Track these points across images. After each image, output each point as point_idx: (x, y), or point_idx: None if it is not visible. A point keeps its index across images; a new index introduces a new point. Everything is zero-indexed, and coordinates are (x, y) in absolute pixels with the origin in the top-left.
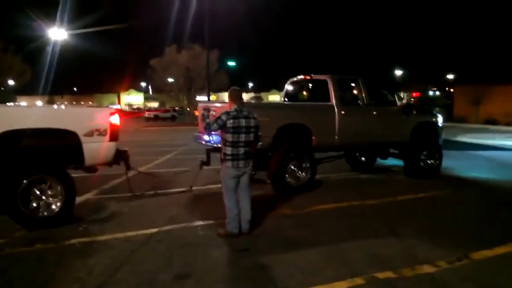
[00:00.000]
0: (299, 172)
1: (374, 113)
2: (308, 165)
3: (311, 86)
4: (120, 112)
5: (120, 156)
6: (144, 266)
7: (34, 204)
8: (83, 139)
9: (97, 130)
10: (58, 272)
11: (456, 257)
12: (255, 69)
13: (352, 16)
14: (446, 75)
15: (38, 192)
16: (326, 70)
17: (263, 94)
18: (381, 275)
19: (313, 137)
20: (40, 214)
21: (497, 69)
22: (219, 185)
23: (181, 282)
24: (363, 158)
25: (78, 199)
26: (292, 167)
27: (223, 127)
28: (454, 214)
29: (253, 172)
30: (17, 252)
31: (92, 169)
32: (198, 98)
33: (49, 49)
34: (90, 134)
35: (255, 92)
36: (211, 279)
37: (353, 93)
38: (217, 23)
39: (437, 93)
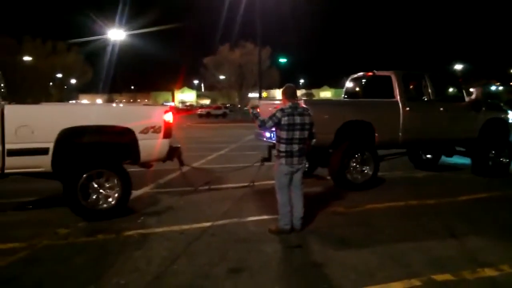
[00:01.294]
0: (361, 169)
1: (441, 109)
2: (370, 162)
3: (374, 83)
4: (174, 109)
5: (173, 153)
6: (199, 259)
7: (93, 197)
8: (139, 136)
9: (152, 127)
10: (119, 262)
11: None
12: (306, 65)
13: (409, 9)
14: (510, 69)
15: (96, 186)
16: (380, 65)
17: (314, 91)
18: (439, 277)
19: (376, 134)
20: (98, 206)
21: None
22: (272, 182)
23: (235, 276)
24: (427, 156)
25: (136, 193)
26: (354, 163)
27: (277, 124)
28: None
29: (306, 168)
30: (80, 242)
31: (147, 165)
32: (250, 95)
33: (109, 49)
34: (145, 131)
35: (306, 89)
36: (264, 275)
37: (418, 89)
38: (269, 20)
39: (500, 88)
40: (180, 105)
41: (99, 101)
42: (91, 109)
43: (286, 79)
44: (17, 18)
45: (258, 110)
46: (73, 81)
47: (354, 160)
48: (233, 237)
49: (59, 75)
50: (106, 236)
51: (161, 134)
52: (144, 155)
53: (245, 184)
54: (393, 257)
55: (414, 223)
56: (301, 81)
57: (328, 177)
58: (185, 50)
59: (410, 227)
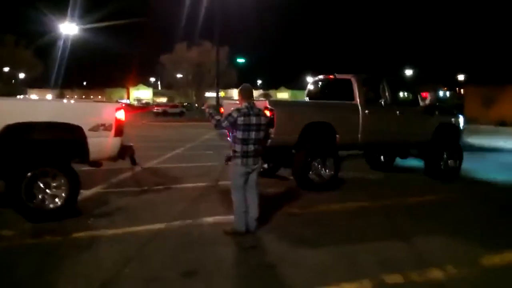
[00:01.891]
0: (323, 169)
1: (397, 112)
2: (332, 163)
3: (335, 85)
4: (129, 106)
5: (125, 152)
6: (152, 262)
7: (39, 197)
8: (88, 133)
9: (102, 125)
10: (66, 266)
11: (465, 262)
12: (264, 66)
13: (360, 14)
14: (457, 75)
15: (42, 185)
16: (334, 68)
17: (271, 92)
18: (389, 278)
19: (337, 136)
20: (44, 207)
21: (508, 70)
22: (228, 182)
23: (188, 279)
24: (382, 158)
25: (87, 193)
26: (316, 164)
27: (233, 124)
28: (466, 216)
29: (261, 169)
30: (25, 244)
31: (96, 163)
32: (207, 94)
33: (60, 43)
34: (95, 129)
35: (264, 90)
36: (218, 277)
37: (377, 93)
38: (227, 20)
39: (447, 93)
40: (135, 103)
41: (49, 96)
42: (38, 105)
43: (244, 79)
44: None
45: (222, 111)
46: (21, 75)
47: (316, 161)
48: (187, 239)
49: (6, 69)
50: (54, 238)
51: (112, 132)
52: (93, 154)
53: (204, 183)
54: (346, 258)
55: (366, 224)
56: (259, 81)
57: (291, 177)
58: (141, 47)
59: (362, 228)
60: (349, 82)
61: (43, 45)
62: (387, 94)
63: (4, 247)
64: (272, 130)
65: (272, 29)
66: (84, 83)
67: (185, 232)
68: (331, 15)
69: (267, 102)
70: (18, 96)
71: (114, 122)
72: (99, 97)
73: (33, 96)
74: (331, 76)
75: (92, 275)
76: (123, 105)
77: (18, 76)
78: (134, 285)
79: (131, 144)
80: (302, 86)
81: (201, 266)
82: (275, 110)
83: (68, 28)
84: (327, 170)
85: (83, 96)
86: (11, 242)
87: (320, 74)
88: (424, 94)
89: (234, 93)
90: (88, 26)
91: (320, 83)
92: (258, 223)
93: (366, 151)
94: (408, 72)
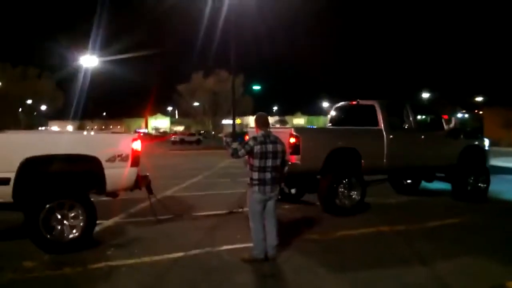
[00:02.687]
0: (349, 194)
1: (422, 137)
2: (358, 188)
3: (358, 111)
4: (147, 136)
5: (141, 181)
6: None
7: (56, 229)
8: (105, 164)
9: (119, 156)
10: None
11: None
12: (279, 92)
13: (375, 38)
14: (474, 97)
15: (59, 217)
16: (349, 93)
17: (287, 118)
18: None
19: (363, 161)
20: (62, 238)
21: None
22: (245, 209)
23: None
24: (408, 181)
25: (106, 223)
26: (342, 189)
27: (250, 153)
28: (490, 240)
29: (279, 197)
30: (45, 276)
31: (113, 194)
32: (224, 121)
33: (81, 75)
34: (112, 160)
35: (279, 116)
36: None
37: (400, 117)
38: (242, 48)
39: (466, 115)
40: (153, 132)
41: (69, 128)
42: (55, 138)
43: (259, 106)
44: None
45: (246, 138)
46: (43, 107)
47: (342, 185)
48: (206, 267)
49: (29, 101)
50: (74, 269)
51: (129, 163)
52: (110, 184)
53: (221, 211)
54: (366, 284)
55: (387, 249)
56: (275, 108)
57: (316, 203)
58: (159, 77)
59: (382, 253)
60: (372, 107)
61: (64, 78)
62: (411, 118)
63: (26, 278)
64: (297, 157)
65: (287, 55)
66: (104, 113)
67: (203, 261)
68: (346, 39)
69: (292, 129)
70: (40, 128)
71: (131, 153)
72: (118, 127)
73: (54, 127)
74: (354, 102)
75: None
76: (141, 134)
77: (40, 108)
78: None
79: (147, 174)
80: (317, 111)
81: None
82: (301, 136)
83: (88, 61)
84: (353, 195)
85: (103, 127)
86: (32, 273)
87: (336, 99)
88: (444, 116)
89: (250, 120)
90: (108, 58)
91: (343, 109)
92: (276, 250)
93: (391, 175)
94: (425, 95)
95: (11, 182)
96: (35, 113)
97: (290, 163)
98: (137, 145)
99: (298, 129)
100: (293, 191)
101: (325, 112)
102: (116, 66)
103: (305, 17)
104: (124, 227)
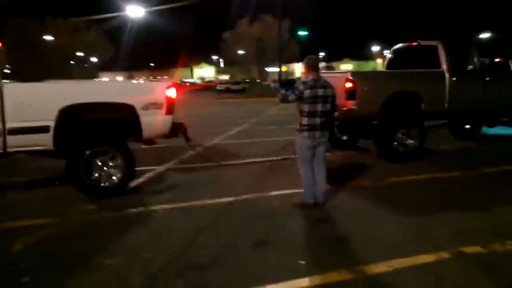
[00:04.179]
0: (408, 140)
1: (487, 79)
2: (417, 133)
3: (418, 53)
4: (193, 85)
5: (177, 129)
6: (224, 233)
7: (96, 175)
8: (140, 112)
9: (154, 103)
10: (145, 236)
11: None
12: (326, 38)
13: None
14: None
15: (99, 163)
16: (402, 37)
17: (334, 64)
18: (468, 249)
19: (423, 105)
20: (102, 183)
21: None
22: (294, 155)
23: (259, 249)
24: (467, 126)
25: (158, 169)
26: (401, 135)
27: (300, 97)
28: None
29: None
30: (106, 217)
31: (150, 141)
32: (268, 69)
33: (128, 26)
34: (147, 107)
35: (326, 62)
36: (289, 249)
37: (465, 59)
38: None
39: None
40: (199, 81)
41: (119, 78)
42: (92, 86)
43: (306, 52)
44: None
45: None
46: (94, 59)
47: (400, 131)
48: (256, 212)
49: (81, 54)
50: (131, 211)
51: (163, 110)
52: (146, 132)
53: (270, 158)
54: (419, 230)
55: (442, 195)
56: (321, 54)
57: (372, 150)
58: (203, 25)
59: (436, 200)
60: (434, 48)
61: (112, 29)
62: (475, 59)
63: (88, 219)
64: (353, 102)
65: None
66: (151, 64)
67: (253, 205)
68: None
69: (348, 73)
70: (90, 79)
71: (165, 100)
72: (165, 77)
73: (105, 78)
74: (414, 43)
75: (168, 243)
76: (188, 84)
77: (90, 60)
78: (208, 253)
79: (183, 122)
80: (366, 56)
81: (271, 238)
82: (357, 81)
83: (135, 11)
84: (411, 141)
85: (150, 77)
86: (94, 214)
87: (386, 44)
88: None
89: (297, 67)
90: (153, 8)
91: (401, 51)
92: (326, 196)
93: (452, 120)
94: (484, 36)
95: (51, 130)
96: (86, 65)
97: (345, 108)
98: (172, 93)
99: (354, 73)
100: (346, 137)
101: (374, 57)
102: (161, 17)
103: None
104: (176, 173)
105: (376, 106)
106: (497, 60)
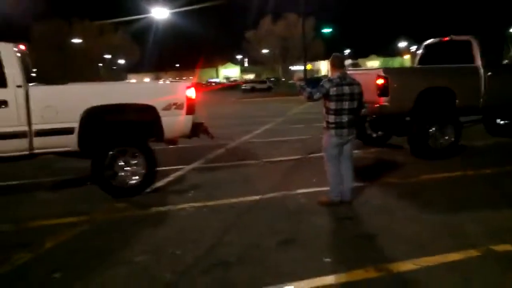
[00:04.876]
0: (443, 136)
1: None
2: (451, 130)
3: (451, 48)
4: (219, 84)
5: (198, 129)
6: (250, 231)
7: (120, 175)
8: (161, 113)
9: (174, 104)
10: (173, 233)
11: None
12: (352, 35)
13: None
14: None
15: (122, 163)
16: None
17: (360, 60)
18: (498, 247)
19: (457, 100)
20: (125, 183)
21: None
22: (320, 154)
23: (285, 247)
24: (502, 122)
25: (186, 168)
26: (435, 131)
27: (326, 95)
28: None
29: (354, 139)
30: (136, 215)
31: (172, 141)
32: (293, 68)
33: (153, 27)
34: (168, 108)
35: (352, 59)
36: (315, 246)
37: (499, 53)
38: None
39: None
40: (225, 81)
41: (146, 79)
42: (113, 88)
43: (331, 50)
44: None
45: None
46: (121, 61)
47: (434, 127)
48: (283, 210)
49: (108, 56)
50: (159, 209)
51: (184, 111)
52: (168, 132)
53: (297, 156)
54: (449, 228)
55: (472, 193)
56: (347, 51)
57: (404, 146)
58: (228, 25)
59: (467, 197)
60: (468, 43)
61: (138, 31)
62: (510, 53)
63: (119, 217)
64: (386, 99)
65: None
66: (177, 65)
67: (280, 203)
68: None
69: (381, 70)
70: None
71: (186, 101)
72: (190, 78)
73: (133, 80)
74: (447, 38)
75: (196, 240)
76: (213, 84)
77: (118, 62)
78: (235, 251)
79: (202, 122)
80: (393, 53)
81: (297, 235)
82: (389, 77)
83: (160, 13)
84: (446, 137)
85: (177, 78)
86: (124, 212)
87: (414, 39)
88: None
89: (322, 65)
90: (178, 9)
91: (433, 46)
92: (353, 194)
93: (486, 116)
94: None
95: (75, 131)
96: (114, 67)
97: (378, 105)
98: (192, 93)
99: (387, 69)
100: (379, 134)
101: (401, 53)
102: (186, 18)
103: None
104: (203, 172)
105: (409, 102)
106: None
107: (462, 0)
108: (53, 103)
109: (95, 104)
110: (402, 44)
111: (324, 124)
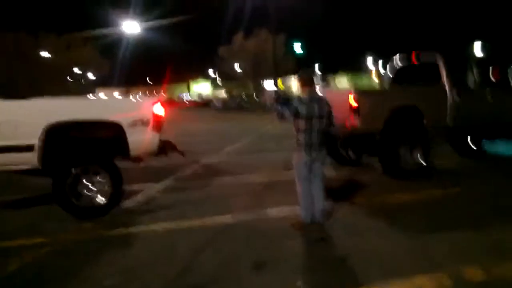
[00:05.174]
0: (413, 156)
1: (487, 94)
2: (421, 149)
3: (419, 67)
4: (192, 102)
5: (165, 147)
6: (222, 252)
7: (83, 194)
8: (127, 130)
9: (140, 120)
10: (143, 254)
11: None
12: (321, 51)
13: None
14: None
15: (86, 182)
16: (395, 48)
17: (329, 76)
18: (467, 269)
19: (425, 120)
20: (89, 203)
21: None
22: (291, 172)
23: (258, 269)
24: (469, 143)
25: (156, 186)
26: (404, 150)
27: (296, 114)
28: None
29: (325, 158)
30: (104, 235)
31: (138, 159)
32: (265, 82)
33: (124, 42)
34: (133, 124)
35: (322, 75)
36: (288, 269)
37: (465, 72)
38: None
39: None
40: (196, 98)
41: (116, 94)
42: (77, 103)
43: (301, 65)
44: (32, 13)
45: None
46: (90, 75)
47: (404, 147)
48: (255, 230)
49: (77, 70)
50: (130, 229)
51: (150, 128)
52: (133, 150)
53: (267, 175)
54: (417, 250)
55: (439, 214)
56: (316, 66)
57: (375, 166)
58: (200, 40)
59: (435, 218)
60: (435, 63)
61: (108, 45)
62: (476, 73)
63: (85, 238)
64: (357, 118)
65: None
66: (148, 79)
67: (252, 224)
68: None
69: (352, 90)
70: (89, 96)
71: (152, 117)
72: (161, 92)
73: (101, 94)
74: (414, 59)
75: (167, 262)
76: (186, 101)
77: (87, 76)
78: (207, 272)
79: (169, 140)
80: (361, 68)
81: (270, 257)
82: (360, 97)
83: (131, 27)
84: (416, 157)
85: (147, 92)
86: (90, 233)
87: (380, 56)
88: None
89: (292, 80)
90: (149, 23)
91: (401, 65)
92: (325, 214)
93: (453, 135)
94: (477, 47)
95: (36, 148)
96: (82, 80)
97: (349, 124)
98: (159, 109)
99: (358, 90)
100: (350, 153)
101: (368, 70)
102: (157, 32)
103: None
104: (175, 191)
105: (379, 122)
106: (493, 70)
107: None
108: (12, 118)
109: (57, 120)
110: (369, 60)
111: (295, 143)
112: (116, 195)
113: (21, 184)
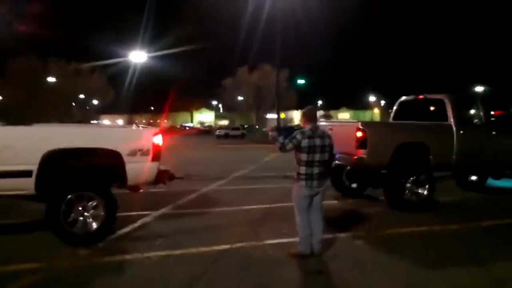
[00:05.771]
0: (417, 190)
1: (493, 132)
2: (426, 184)
3: (424, 106)
4: (193, 129)
5: (162, 176)
6: (217, 282)
7: (76, 220)
8: (126, 158)
9: (140, 150)
10: (137, 283)
11: None
12: (324, 87)
13: (423, 31)
14: None
15: (80, 209)
16: (396, 88)
17: (332, 112)
18: None
19: (431, 156)
20: (82, 230)
21: None
22: (290, 204)
23: None
24: (473, 178)
25: (154, 214)
26: (410, 185)
27: (297, 147)
28: None
29: (325, 191)
30: (99, 263)
31: (135, 188)
32: (268, 116)
33: (130, 71)
34: (133, 154)
35: (324, 110)
36: None
37: (471, 112)
38: (287, 42)
39: None
40: (199, 126)
41: (119, 121)
42: (78, 131)
43: (304, 100)
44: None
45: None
46: (95, 101)
47: (410, 181)
48: (252, 261)
49: (82, 96)
50: (125, 256)
51: (150, 157)
52: (131, 179)
53: (267, 205)
54: (416, 284)
55: (438, 248)
56: (319, 102)
57: (379, 198)
58: (204, 71)
59: (434, 253)
60: (441, 102)
61: (115, 73)
62: (481, 113)
63: (80, 265)
64: (364, 151)
65: (331, 49)
66: (151, 107)
67: (249, 254)
68: (392, 33)
69: (359, 123)
70: (92, 122)
71: (152, 147)
72: (165, 121)
73: (105, 121)
74: (421, 96)
75: None
76: (187, 128)
77: (92, 102)
78: None
79: (168, 169)
80: (363, 105)
81: None
82: (368, 131)
83: (137, 56)
84: (421, 191)
85: (151, 121)
86: (86, 260)
87: (382, 94)
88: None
89: (295, 114)
90: (156, 53)
91: (408, 103)
92: (323, 246)
93: (459, 171)
94: (479, 89)
95: (34, 174)
96: (87, 107)
97: (356, 157)
98: (158, 140)
99: (365, 123)
100: (354, 185)
101: (371, 106)
102: (163, 62)
103: (350, 11)
104: (171, 218)
105: (386, 156)
106: (498, 113)
107: (428, 58)
108: (12, 144)
109: (57, 147)
110: (372, 98)
111: (295, 175)
112: (110, 221)
113: (17, 209)
